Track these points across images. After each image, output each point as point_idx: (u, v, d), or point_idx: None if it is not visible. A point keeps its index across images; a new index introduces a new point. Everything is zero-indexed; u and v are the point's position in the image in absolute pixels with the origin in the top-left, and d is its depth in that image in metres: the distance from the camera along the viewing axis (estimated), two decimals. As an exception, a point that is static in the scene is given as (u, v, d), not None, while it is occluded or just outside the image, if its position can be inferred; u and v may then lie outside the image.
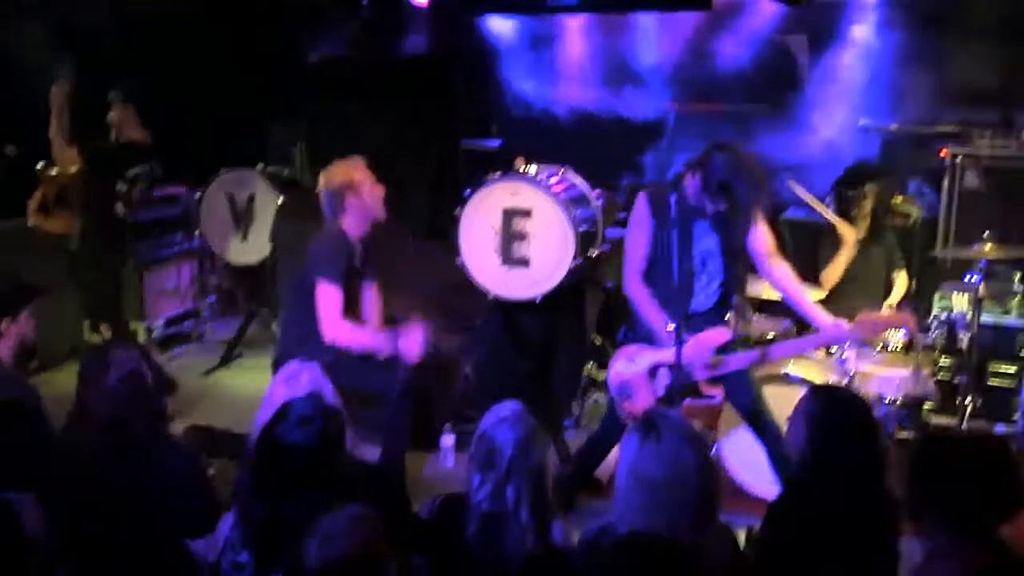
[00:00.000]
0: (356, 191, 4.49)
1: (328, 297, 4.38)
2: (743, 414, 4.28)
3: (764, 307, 5.58)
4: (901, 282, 5.64)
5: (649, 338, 4.19)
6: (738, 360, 4.11)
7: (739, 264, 4.23)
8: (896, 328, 4.04)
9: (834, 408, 2.93)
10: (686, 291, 4.09)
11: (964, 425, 5.00)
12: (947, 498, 2.41)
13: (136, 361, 3.14)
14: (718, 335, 4.07)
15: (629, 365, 4.21)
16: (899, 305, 5.53)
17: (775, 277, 4.20)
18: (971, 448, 2.46)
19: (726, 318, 4.26)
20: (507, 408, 2.85)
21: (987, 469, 2.40)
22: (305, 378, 3.18)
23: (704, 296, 4.21)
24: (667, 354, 4.05)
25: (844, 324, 4.00)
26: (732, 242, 4.14)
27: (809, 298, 4.24)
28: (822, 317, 4.07)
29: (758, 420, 4.20)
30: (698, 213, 4.10)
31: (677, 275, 4.09)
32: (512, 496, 2.72)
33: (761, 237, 4.16)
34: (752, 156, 4.05)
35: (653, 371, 4.19)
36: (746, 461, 4.58)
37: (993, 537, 2.41)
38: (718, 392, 4.19)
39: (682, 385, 4.04)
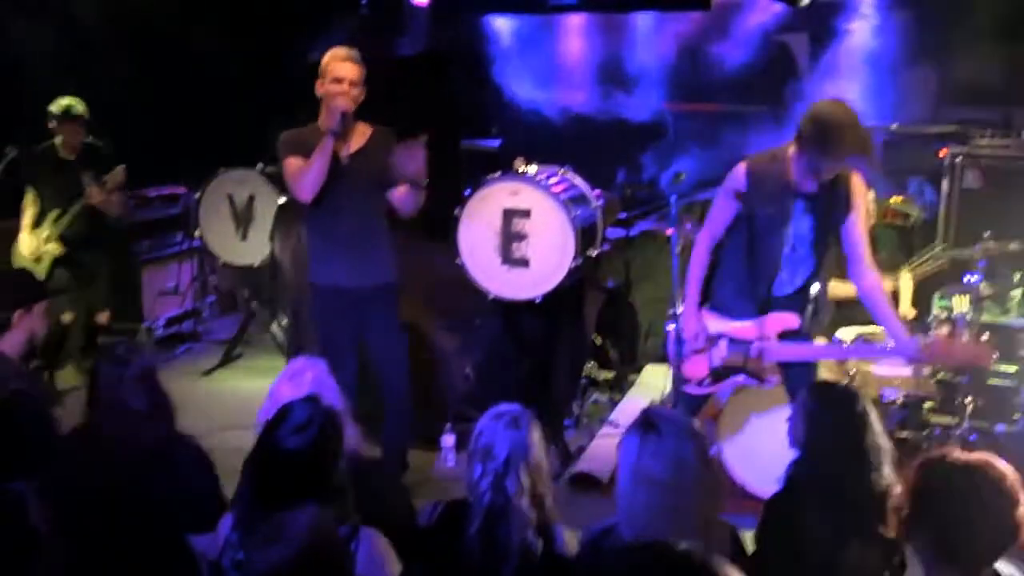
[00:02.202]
0: (322, 76, 4.36)
1: (287, 167, 4.36)
2: None
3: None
4: (906, 283, 5.62)
5: (722, 307, 4.09)
6: (794, 351, 3.98)
7: (829, 251, 4.02)
8: (971, 364, 3.86)
9: (830, 404, 2.94)
10: (772, 274, 3.94)
11: (964, 424, 5.01)
12: (940, 526, 2.34)
13: (146, 356, 3.24)
14: (785, 320, 3.98)
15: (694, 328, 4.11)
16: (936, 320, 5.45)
17: (864, 282, 3.92)
18: (972, 478, 2.34)
19: (804, 307, 4.07)
20: (504, 407, 2.86)
21: (984, 502, 2.31)
22: (309, 376, 3.17)
23: (788, 281, 4.01)
24: (733, 327, 4.04)
25: (918, 343, 3.79)
26: (827, 225, 3.91)
27: (893, 310, 3.98)
28: (899, 330, 3.87)
29: None
30: (796, 191, 3.86)
31: (766, 256, 3.90)
32: (512, 488, 2.73)
33: (858, 230, 3.89)
34: (867, 128, 3.75)
35: (714, 340, 4.12)
36: (748, 461, 4.58)
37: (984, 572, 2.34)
38: (775, 378, 4.07)
39: (742, 362, 3.99)
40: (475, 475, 2.76)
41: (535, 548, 2.70)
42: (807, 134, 3.73)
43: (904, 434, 5.00)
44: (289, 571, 2.19)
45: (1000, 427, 5.26)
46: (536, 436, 2.81)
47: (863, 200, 3.92)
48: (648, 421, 2.57)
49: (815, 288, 4.06)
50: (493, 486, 2.71)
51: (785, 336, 3.99)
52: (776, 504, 2.98)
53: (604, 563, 2.07)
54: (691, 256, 4.09)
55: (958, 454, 2.45)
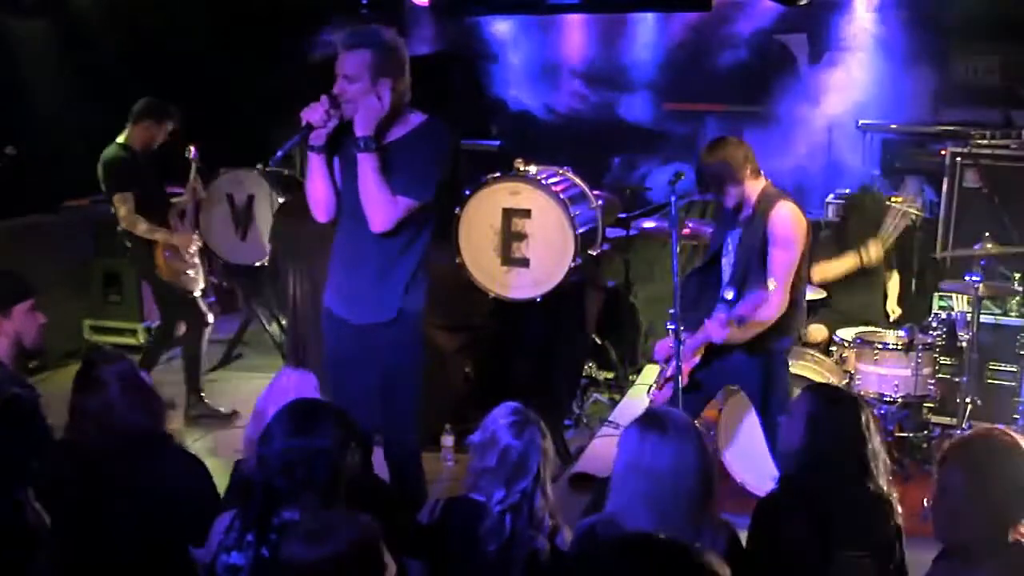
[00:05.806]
0: None
1: None
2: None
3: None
4: (893, 284, 5.66)
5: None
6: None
7: (750, 268, 4.02)
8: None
9: (833, 408, 2.92)
10: (713, 296, 4.08)
11: (964, 424, 5.01)
12: (993, 493, 2.39)
13: (130, 365, 3.12)
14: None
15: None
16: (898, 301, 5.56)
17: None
18: (992, 441, 2.48)
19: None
20: (512, 409, 2.87)
21: (1010, 470, 2.40)
22: (292, 391, 3.15)
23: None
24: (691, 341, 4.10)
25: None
26: (744, 249, 4.02)
27: None
28: None
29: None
30: (731, 219, 4.09)
31: (714, 280, 4.11)
32: (540, 502, 2.77)
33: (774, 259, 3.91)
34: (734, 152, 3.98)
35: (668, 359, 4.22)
36: (748, 461, 4.58)
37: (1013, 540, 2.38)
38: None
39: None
40: (483, 484, 2.78)
41: (544, 552, 2.73)
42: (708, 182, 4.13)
43: (904, 434, 5.00)
44: (330, 571, 2.20)
45: (999, 427, 5.25)
46: (543, 433, 2.85)
47: (781, 231, 3.91)
48: (651, 417, 2.59)
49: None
50: (504, 496, 2.74)
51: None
52: (769, 505, 2.96)
53: (592, 557, 2.08)
54: None
55: (969, 432, 2.53)
